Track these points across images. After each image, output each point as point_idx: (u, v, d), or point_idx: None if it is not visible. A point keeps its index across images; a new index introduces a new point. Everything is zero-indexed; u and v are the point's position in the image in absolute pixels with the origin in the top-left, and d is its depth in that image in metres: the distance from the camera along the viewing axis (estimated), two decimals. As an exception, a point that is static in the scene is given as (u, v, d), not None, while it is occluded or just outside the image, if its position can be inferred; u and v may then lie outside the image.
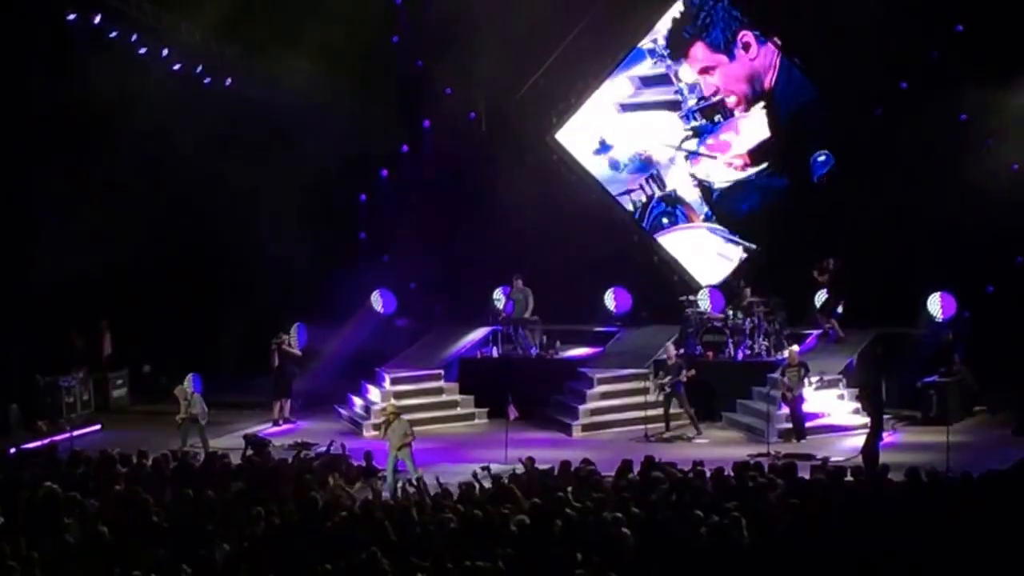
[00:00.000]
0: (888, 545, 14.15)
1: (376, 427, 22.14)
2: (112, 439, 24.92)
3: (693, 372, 25.63)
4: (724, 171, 29.82)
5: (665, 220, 30.41)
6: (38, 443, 24.01)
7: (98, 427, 27.17)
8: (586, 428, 26.19)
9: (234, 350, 28.58)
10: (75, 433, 25.59)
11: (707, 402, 26.26)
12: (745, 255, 29.64)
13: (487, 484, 18.18)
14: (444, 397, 27.73)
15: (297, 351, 28.08)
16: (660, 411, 25.77)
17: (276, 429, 26.61)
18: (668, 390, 25.57)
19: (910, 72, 27.69)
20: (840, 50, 27.83)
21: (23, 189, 27.51)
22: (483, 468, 19.05)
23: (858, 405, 25.36)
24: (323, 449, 22.18)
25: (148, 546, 14.72)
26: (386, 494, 19.64)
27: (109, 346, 28.66)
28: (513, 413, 25.31)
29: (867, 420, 24.94)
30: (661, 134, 30.07)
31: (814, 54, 28.71)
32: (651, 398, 25.81)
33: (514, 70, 29.44)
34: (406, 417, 22.81)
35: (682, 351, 26.29)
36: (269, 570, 14.07)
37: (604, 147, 30.40)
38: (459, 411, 27.48)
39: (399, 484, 20.36)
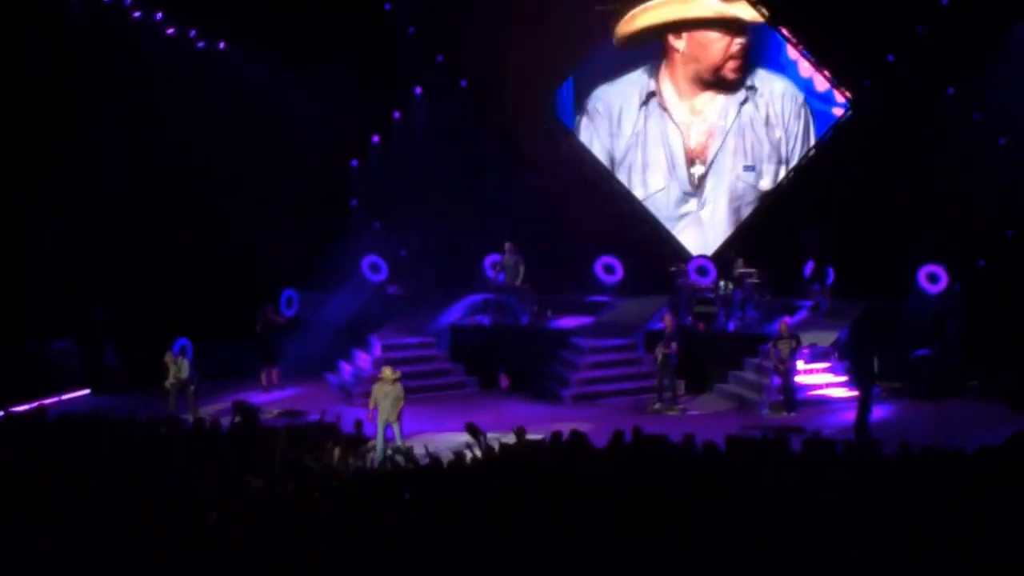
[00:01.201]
0: (880, 520, 14.13)
1: (368, 393, 22.03)
2: (101, 404, 24.92)
3: (674, 347, 25.56)
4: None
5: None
6: (26, 407, 23.95)
7: (87, 392, 27.15)
8: (577, 398, 26.20)
9: (225, 317, 28.45)
10: (64, 397, 25.56)
11: (698, 373, 26.24)
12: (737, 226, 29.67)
13: (478, 453, 18.14)
14: (435, 365, 27.72)
15: (280, 319, 28.03)
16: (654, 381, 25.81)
17: (266, 396, 26.60)
18: (659, 359, 25.59)
19: (897, 45, 27.63)
20: (828, 22, 27.78)
21: (15, 156, 27.36)
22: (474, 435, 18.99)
23: (848, 377, 25.42)
24: (315, 418, 22.15)
25: (135, 512, 14.65)
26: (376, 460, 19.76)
27: (100, 312, 28.52)
28: (504, 382, 25.35)
29: (857, 392, 25.14)
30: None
31: (801, 26, 28.61)
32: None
33: (508, 37, 29.25)
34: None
35: (675, 321, 26.26)
36: (258, 538, 14.01)
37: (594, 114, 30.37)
38: (450, 379, 27.48)
39: (387, 453, 20.36)
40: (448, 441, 21.44)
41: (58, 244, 27.81)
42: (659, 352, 25.52)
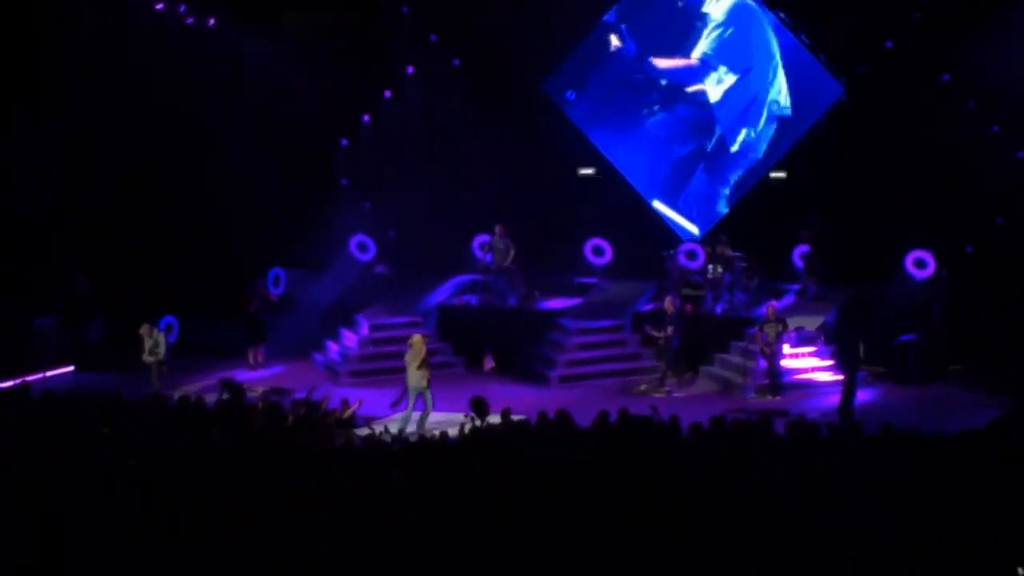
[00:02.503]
0: (861, 503, 14.14)
1: (414, 358, 22.51)
2: (85, 382, 24.91)
3: (671, 330, 25.58)
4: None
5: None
6: (10, 383, 23.92)
7: (71, 369, 27.13)
8: (564, 379, 26.19)
9: (210, 294, 28.42)
10: (48, 374, 25.51)
11: (685, 355, 26.25)
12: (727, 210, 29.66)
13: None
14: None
15: (272, 297, 28.03)
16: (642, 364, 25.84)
17: (252, 374, 26.59)
18: (661, 343, 25.63)
19: (894, 32, 27.59)
20: (824, 8, 27.76)
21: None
22: (468, 417, 19.04)
23: (833, 361, 25.48)
24: (301, 395, 22.13)
25: (121, 490, 14.63)
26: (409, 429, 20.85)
27: (84, 287, 28.46)
28: (489, 363, 25.32)
29: (842, 376, 25.17)
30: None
31: (798, 12, 28.58)
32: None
33: (501, 16, 29.16)
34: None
35: (677, 305, 26.24)
36: (244, 519, 13.99)
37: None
38: (437, 359, 27.38)
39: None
40: (438, 421, 21.61)
41: (42, 219, 27.70)
42: (658, 334, 25.51)
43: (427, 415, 22.22)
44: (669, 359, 25.58)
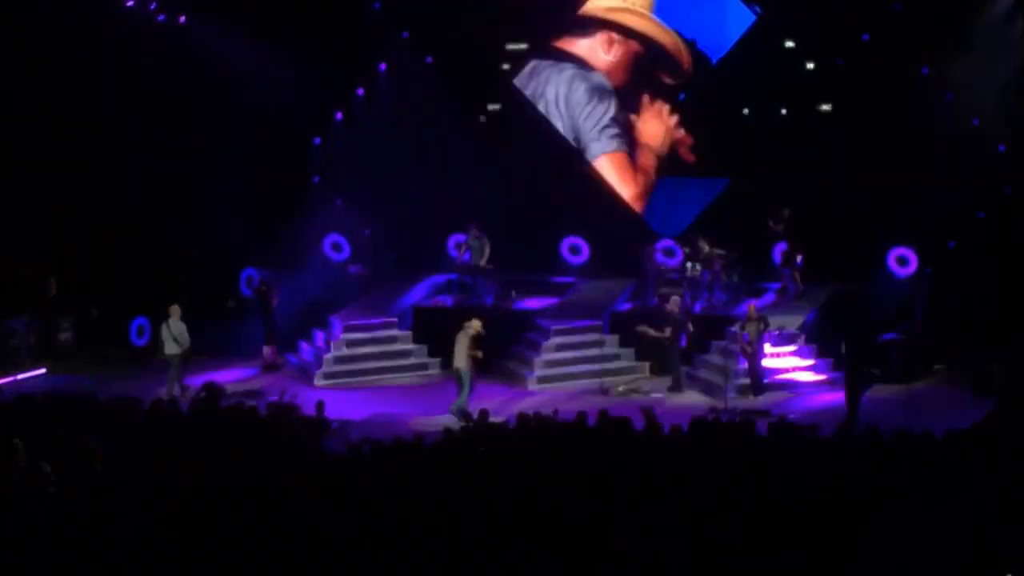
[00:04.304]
0: (847, 503, 13.90)
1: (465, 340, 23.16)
2: (58, 383, 24.53)
3: (667, 331, 25.29)
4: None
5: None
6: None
7: (43, 371, 26.70)
8: (542, 380, 25.89)
9: (184, 295, 28.03)
10: (20, 376, 25.12)
11: (662, 355, 25.94)
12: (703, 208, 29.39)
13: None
14: (398, 346, 27.32)
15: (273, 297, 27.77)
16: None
17: (226, 375, 26.21)
18: (666, 343, 25.36)
19: (872, 24, 27.35)
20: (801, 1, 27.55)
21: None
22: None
23: (815, 361, 25.27)
24: (274, 399, 21.76)
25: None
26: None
27: (54, 288, 28.07)
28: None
29: (824, 376, 24.99)
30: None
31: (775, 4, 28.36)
32: None
33: (473, 14, 28.85)
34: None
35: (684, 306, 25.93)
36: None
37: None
38: (412, 360, 27.10)
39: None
40: (415, 423, 21.33)
41: (11, 219, 27.32)
42: (660, 335, 25.23)
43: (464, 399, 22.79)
44: (675, 360, 25.26)
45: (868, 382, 22.89)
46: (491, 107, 29.75)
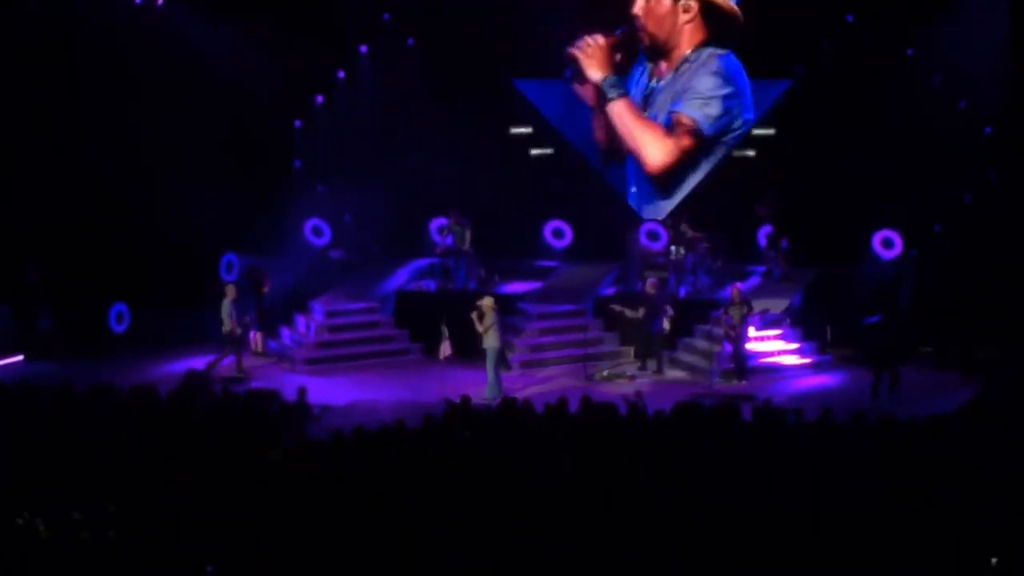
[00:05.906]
0: (834, 486, 13.82)
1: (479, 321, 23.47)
2: (35, 371, 24.25)
3: (642, 311, 25.13)
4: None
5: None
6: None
7: (20, 358, 26.46)
8: (525, 364, 25.75)
9: (163, 282, 27.83)
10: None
11: (644, 339, 25.78)
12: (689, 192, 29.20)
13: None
14: (379, 331, 27.16)
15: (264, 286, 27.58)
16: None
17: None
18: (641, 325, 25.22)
19: (857, 5, 27.20)
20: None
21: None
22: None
23: (800, 344, 25.17)
24: (258, 384, 21.59)
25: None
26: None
27: (33, 274, 27.83)
28: (447, 349, 24.78)
29: (809, 360, 24.90)
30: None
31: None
32: None
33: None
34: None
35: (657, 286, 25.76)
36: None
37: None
38: (395, 345, 26.92)
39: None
40: (395, 409, 21.11)
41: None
42: (632, 315, 25.07)
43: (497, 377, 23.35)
44: (658, 343, 25.17)
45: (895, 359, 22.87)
46: (475, 90, 29.49)
